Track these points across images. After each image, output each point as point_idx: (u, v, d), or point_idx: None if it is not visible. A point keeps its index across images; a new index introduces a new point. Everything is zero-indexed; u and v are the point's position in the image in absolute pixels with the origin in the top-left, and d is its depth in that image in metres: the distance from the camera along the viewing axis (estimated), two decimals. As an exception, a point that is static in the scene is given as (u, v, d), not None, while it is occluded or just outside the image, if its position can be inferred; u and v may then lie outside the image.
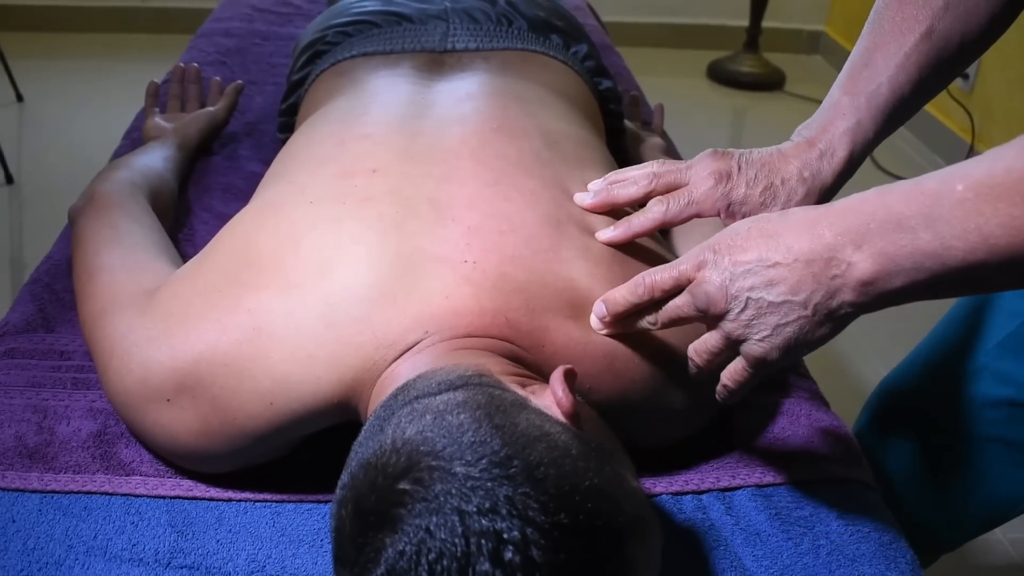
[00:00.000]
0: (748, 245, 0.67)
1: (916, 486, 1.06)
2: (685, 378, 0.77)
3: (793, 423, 0.91)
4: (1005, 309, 0.98)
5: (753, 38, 3.44)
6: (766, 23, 3.43)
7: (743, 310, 0.67)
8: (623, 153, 1.30)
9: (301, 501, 0.80)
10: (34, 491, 0.79)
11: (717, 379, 0.84)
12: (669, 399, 0.80)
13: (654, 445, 0.83)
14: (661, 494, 0.83)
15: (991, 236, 0.56)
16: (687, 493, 0.83)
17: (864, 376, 1.95)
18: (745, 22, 3.45)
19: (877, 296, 0.63)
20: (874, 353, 1.99)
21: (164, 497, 0.80)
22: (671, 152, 1.36)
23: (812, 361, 1.06)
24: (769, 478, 0.84)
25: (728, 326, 0.69)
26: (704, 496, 0.83)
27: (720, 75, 3.45)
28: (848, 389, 1.86)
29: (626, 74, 1.71)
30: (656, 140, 1.34)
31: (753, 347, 0.68)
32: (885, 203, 0.62)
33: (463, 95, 0.97)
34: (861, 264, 0.62)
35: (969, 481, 1.05)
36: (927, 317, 1.10)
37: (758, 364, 0.69)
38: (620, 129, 1.29)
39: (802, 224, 0.65)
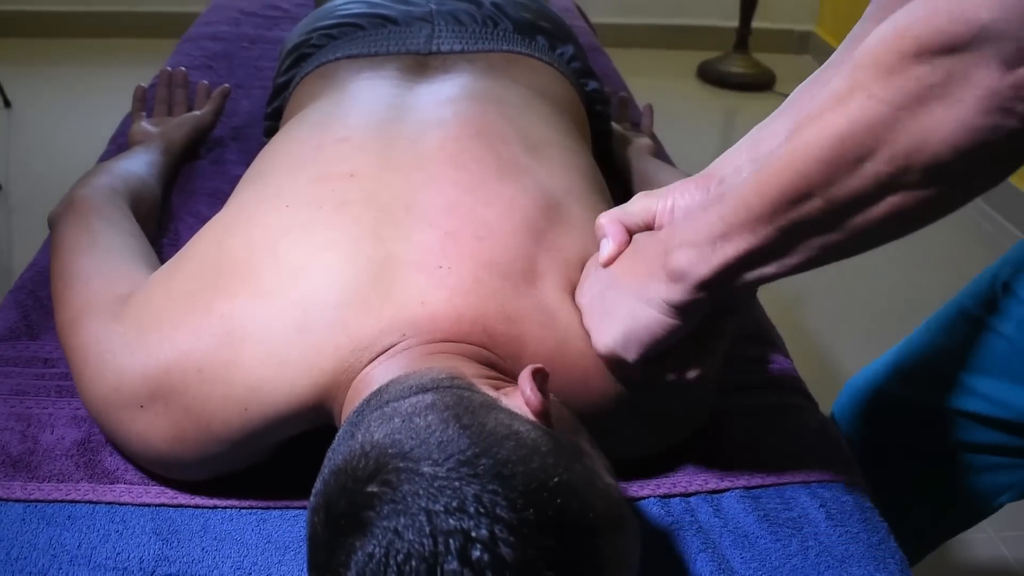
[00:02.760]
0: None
1: (891, 488, 1.06)
2: (661, 394, 0.78)
3: (782, 425, 0.91)
4: (993, 328, 0.99)
5: (743, 39, 3.45)
6: (756, 24, 3.44)
7: None
8: (610, 156, 1.29)
9: (287, 508, 0.80)
10: (17, 500, 0.79)
11: (697, 393, 0.84)
12: (644, 415, 0.80)
13: (633, 458, 0.83)
14: (649, 496, 0.82)
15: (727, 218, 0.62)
16: (675, 496, 0.83)
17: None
18: (735, 23, 3.45)
19: (691, 287, 0.66)
20: (865, 355, 1.98)
21: (149, 505, 0.79)
22: (660, 153, 1.35)
23: (800, 362, 1.06)
24: (757, 480, 0.84)
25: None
26: (692, 498, 0.83)
27: (710, 76, 3.45)
28: (837, 391, 1.86)
29: (615, 75, 1.71)
30: (645, 141, 1.34)
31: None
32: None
33: (443, 99, 0.97)
34: (676, 254, 0.67)
35: (949, 483, 1.06)
36: (918, 321, 1.11)
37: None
38: (607, 131, 1.29)
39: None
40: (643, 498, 0.82)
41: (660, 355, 0.72)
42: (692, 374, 0.74)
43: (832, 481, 0.85)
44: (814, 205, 0.57)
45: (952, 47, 0.50)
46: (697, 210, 0.67)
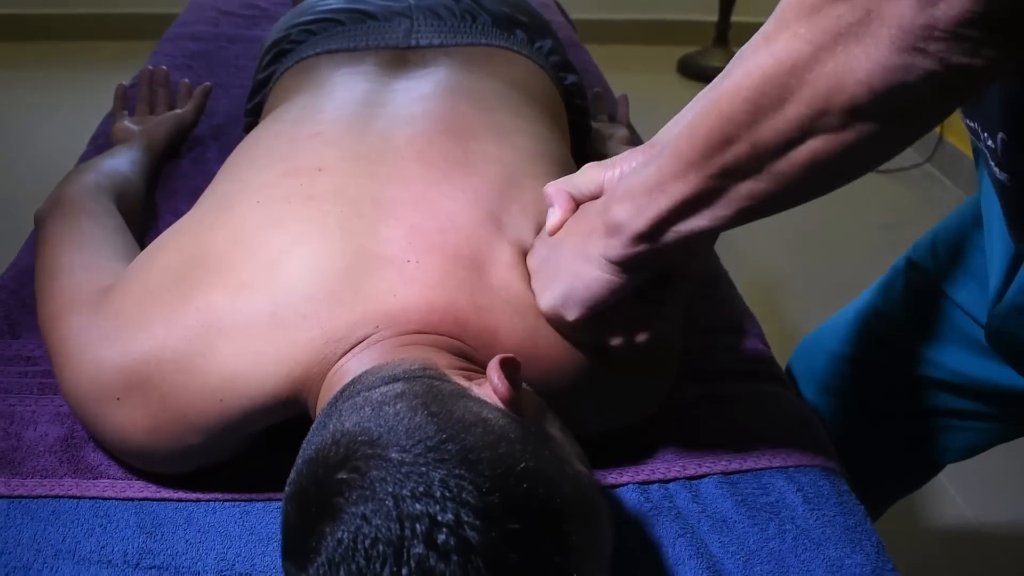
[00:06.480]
0: None
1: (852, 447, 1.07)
2: (627, 365, 0.79)
3: (759, 411, 0.92)
4: (945, 295, 1.00)
5: (723, 33, 3.46)
6: (735, 18, 3.45)
7: None
8: (589, 153, 1.30)
9: (269, 500, 0.80)
10: (1, 496, 0.79)
11: (661, 356, 0.85)
12: (616, 388, 0.81)
13: (610, 429, 0.84)
14: (628, 483, 0.83)
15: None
16: (654, 482, 0.84)
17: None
18: (714, 17, 3.47)
19: (627, 240, 0.67)
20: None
21: (132, 499, 0.80)
22: (636, 143, 1.36)
23: (778, 349, 1.07)
24: (735, 466, 0.85)
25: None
26: (671, 485, 0.84)
27: (690, 70, 3.47)
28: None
29: (594, 71, 1.72)
30: (622, 133, 1.34)
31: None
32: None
33: (417, 96, 0.97)
34: (615, 207, 0.67)
35: (900, 444, 1.07)
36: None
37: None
38: (586, 126, 1.29)
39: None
40: (622, 485, 0.83)
41: (603, 315, 0.73)
42: (641, 337, 0.75)
43: (809, 466, 0.86)
44: (740, 149, 0.58)
45: None
46: (641, 165, 0.69)
